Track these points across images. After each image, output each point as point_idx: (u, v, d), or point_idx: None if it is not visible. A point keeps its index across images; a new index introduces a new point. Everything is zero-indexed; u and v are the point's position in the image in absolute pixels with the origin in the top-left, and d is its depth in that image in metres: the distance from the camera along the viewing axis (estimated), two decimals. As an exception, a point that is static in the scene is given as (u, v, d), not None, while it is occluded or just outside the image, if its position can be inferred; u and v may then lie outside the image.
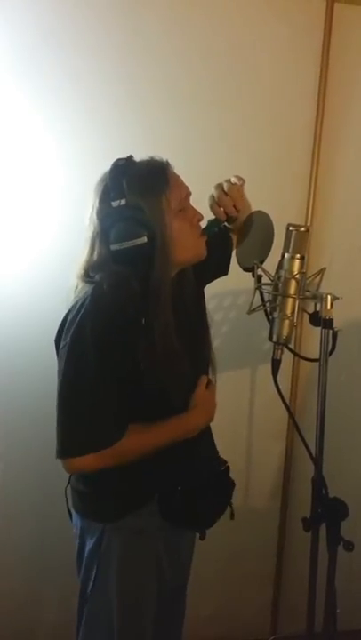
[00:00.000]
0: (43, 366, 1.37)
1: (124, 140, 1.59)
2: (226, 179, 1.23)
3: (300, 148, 1.83)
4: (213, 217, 1.24)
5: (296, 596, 1.70)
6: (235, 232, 1.36)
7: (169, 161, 1.16)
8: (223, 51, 1.74)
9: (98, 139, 1.65)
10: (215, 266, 1.37)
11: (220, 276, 1.43)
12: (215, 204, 1.22)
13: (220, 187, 1.22)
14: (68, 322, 1.10)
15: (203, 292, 1.37)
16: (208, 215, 1.24)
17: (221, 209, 1.21)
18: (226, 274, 1.43)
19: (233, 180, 1.22)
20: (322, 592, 1.32)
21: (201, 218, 1.20)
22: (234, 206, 1.21)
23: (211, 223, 1.22)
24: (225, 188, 1.21)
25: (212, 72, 1.74)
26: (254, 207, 1.32)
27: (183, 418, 1.19)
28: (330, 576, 1.28)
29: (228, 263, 1.42)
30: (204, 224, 1.22)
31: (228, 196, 1.20)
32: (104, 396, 1.08)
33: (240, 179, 1.22)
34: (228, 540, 1.72)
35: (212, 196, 1.22)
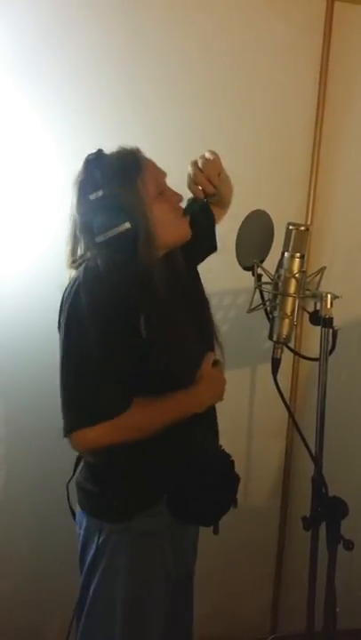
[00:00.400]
0: (42, 366, 1.37)
1: (123, 139, 1.59)
2: (201, 155, 1.22)
3: (300, 147, 1.83)
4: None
5: (296, 595, 1.70)
6: (215, 204, 1.34)
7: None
8: (223, 50, 1.74)
9: (98, 139, 1.62)
10: (202, 242, 1.35)
11: (211, 252, 1.41)
12: (192, 182, 1.21)
13: (195, 164, 1.20)
14: (64, 299, 1.12)
15: (197, 272, 1.36)
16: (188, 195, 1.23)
17: (199, 187, 1.20)
18: (216, 249, 1.41)
19: (207, 155, 1.21)
20: (322, 591, 1.32)
21: (181, 198, 1.19)
22: (210, 182, 1.20)
23: (191, 202, 1.21)
24: (200, 165, 1.20)
25: (212, 72, 1.74)
26: (254, 206, 1.32)
27: (188, 392, 1.18)
28: (330, 575, 1.28)
29: (215, 237, 1.41)
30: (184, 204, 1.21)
31: (203, 172, 1.19)
32: (106, 365, 1.08)
33: (213, 153, 1.21)
34: (227, 539, 1.71)
35: (189, 175, 1.21)
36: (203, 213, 1.30)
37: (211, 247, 1.41)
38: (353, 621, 1.85)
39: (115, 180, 1.10)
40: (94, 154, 1.13)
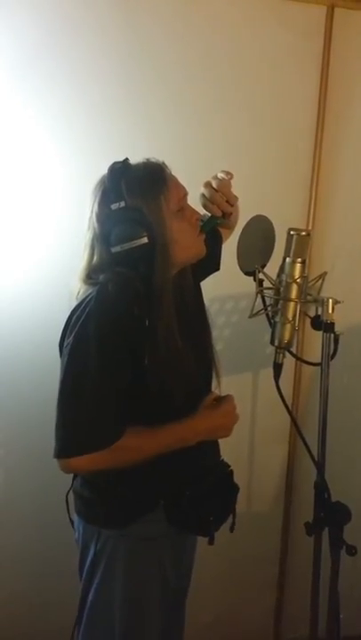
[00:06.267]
0: (43, 372, 1.37)
1: (124, 144, 1.60)
2: (213, 175, 1.23)
3: (302, 152, 1.84)
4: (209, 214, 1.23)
5: (299, 601, 1.69)
6: (223, 226, 1.35)
7: (166, 163, 1.17)
8: (224, 56, 1.75)
9: (99, 144, 1.65)
10: (208, 262, 1.35)
11: (213, 271, 1.42)
12: (208, 202, 1.21)
13: (209, 184, 1.22)
14: (72, 322, 1.10)
15: (200, 290, 1.36)
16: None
17: (215, 206, 1.21)
18: (218, 269, 1.43)
19: (220, 175, 1.22)
20: (325, 597, 1.32)
21: (199, 217, 1.20)
22: (227, 202, 1.21)
23: (208, 221, 1.22)
24: (214, 185, 1.21)
25: (213, 77, 1.75)
26: (255, 211, 1.32)
27: (183, 423, 1.17)
28: (333, 580, 1.28)
29: (220, 258, 1.42)
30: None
31: (218, 192, 1.20)
32: (105, 396, 1.08)
33: (228, 173, 1.22)
34: (230, 545, 1.71)
35: (203, 195, 1.22)
36: (211, 234, 1.30)
37: (214, 267, 1.42)
38: (357, 627, 1.84)
39: (139, 193, 1.10)
40: (121, 163, 1.13)
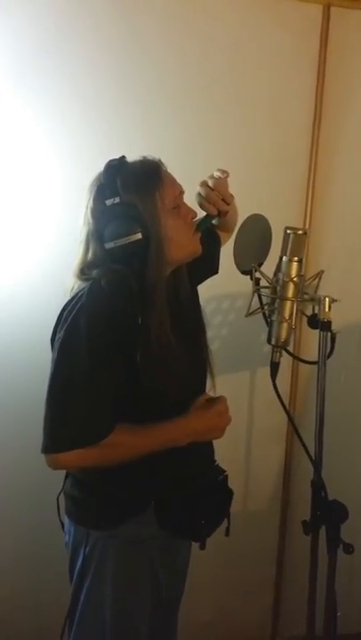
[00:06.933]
0: (39, 371, 1.36)
1: (121, 144, 1.59)
2: (209, 174, 1.23)
3: (298, 151, 1.84)
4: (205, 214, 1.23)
5: (297, 600, 1.69)
6: (221, 228, 1.35)
7: (162, 160, 1.17)
8: (221, 56, 1.75)
9: (97, 144, 1.65)
10: (206, 264, 1.35)
11: (212, 274, 1.42)
12: (204, 200, 1.21)
13: (205, 183, 1.22)
14: (63, 316, 1.10)
15: (197, 292, 1.36)
16: (200, 213, 1.23)
17: (211, 205, 1.21)
18: (217, 272, 1.43)
19: (216, 173, 1.22)
20: (322, 595, 1.32)
21: (195, 215, 1.20)
22: (223, 200, 1.21)
23: (204, 219, 1.22)
24: (210, 184, 1.21)
25: (210, 77, 1.75)
26: (252, 210, 1.32)
27: (173, 423, 1.16)
28: (330, 579, 1.28)
29: (218, 261, 1.42)
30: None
31: (214, 191, 1.20)
32: (95, 392, 1.07)
33: (224, 172, 1.22)
34: (228, 544, 1.71)
35: (199, 194, 1.22)
36: (208, 236, 1.29)
37: (212, 269, 1.42)
38: (354, 625, 1.85)
39: (134, 190, 1.09)
40: (117, 160, 1.13)
